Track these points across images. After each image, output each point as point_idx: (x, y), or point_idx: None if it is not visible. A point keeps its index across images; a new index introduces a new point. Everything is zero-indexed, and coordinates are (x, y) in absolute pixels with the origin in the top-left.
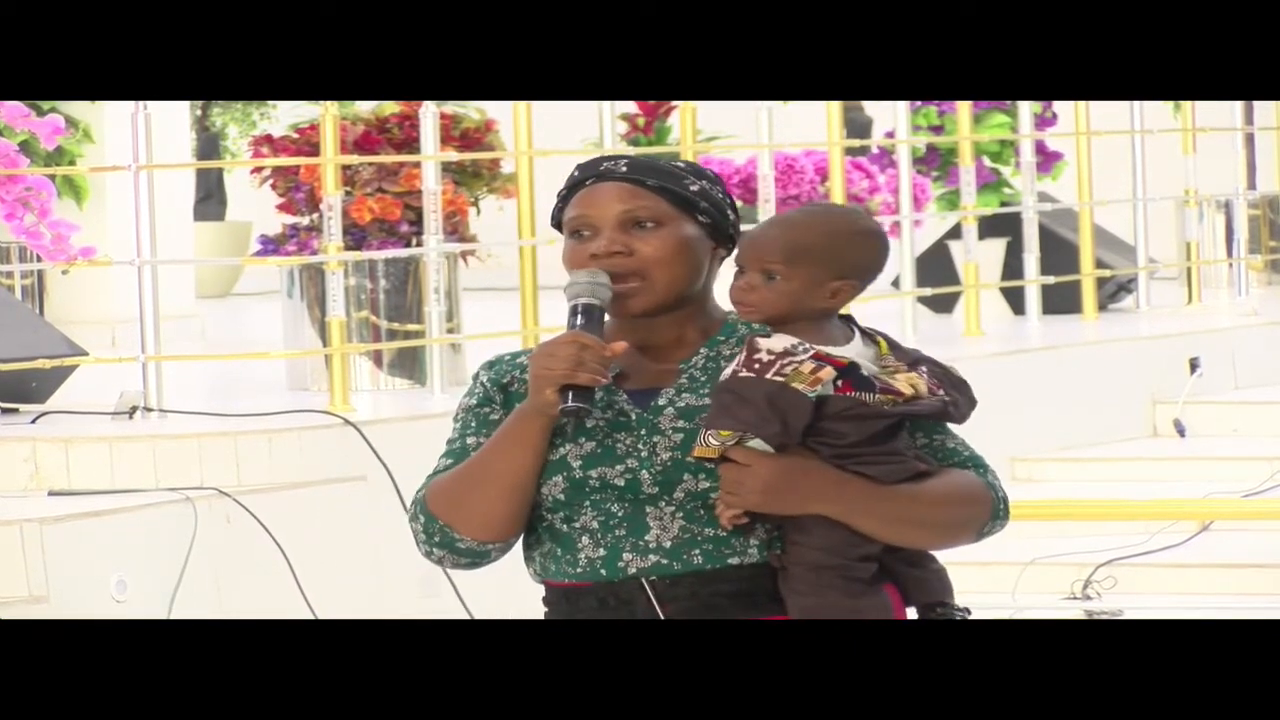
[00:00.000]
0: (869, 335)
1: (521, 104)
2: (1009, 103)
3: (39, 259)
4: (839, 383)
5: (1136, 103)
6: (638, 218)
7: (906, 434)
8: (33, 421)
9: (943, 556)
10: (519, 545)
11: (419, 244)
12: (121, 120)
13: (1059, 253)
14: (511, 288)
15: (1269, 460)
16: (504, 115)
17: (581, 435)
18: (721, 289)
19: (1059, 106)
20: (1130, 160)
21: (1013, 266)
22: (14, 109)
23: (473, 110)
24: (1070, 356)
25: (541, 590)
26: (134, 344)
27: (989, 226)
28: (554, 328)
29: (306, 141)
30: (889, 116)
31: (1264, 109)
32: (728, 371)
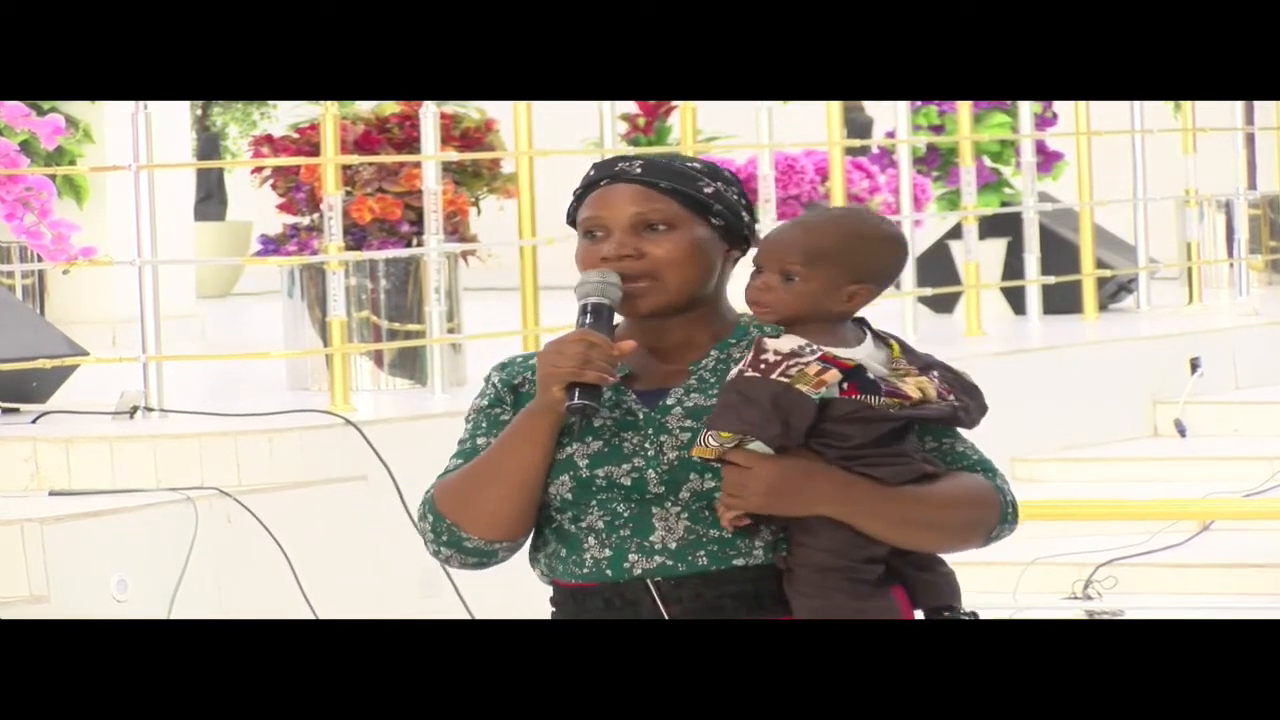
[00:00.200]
0: (882, 338)
1: (521, 104)
2: (1009, 103)
3: (39, 259)
4: (844, 385)
5: (1137, 103)
6: (649, 220)
7: (915, 437)
8: (33, 421)
9: (945, 557)
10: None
11: (419, 244)
12: (121, 120)
13: (1059, 253)
14: (512, 288)
15: (1269, 460)
16: (504, 115)
17: (589, 434)
18: (735, 290)
19: (1059, 106)
20: (1130, 160)
21: (1013, 266)
22: (14, 109)
23: (473, 110)
24: (1071, 356)
25: (542, 590)
26: (134, 344)
27: (989, 226)
28: (554, 327)
29: (307, 141)
30: (889, 116)
31: (1264, 109)
32: (735, 370)
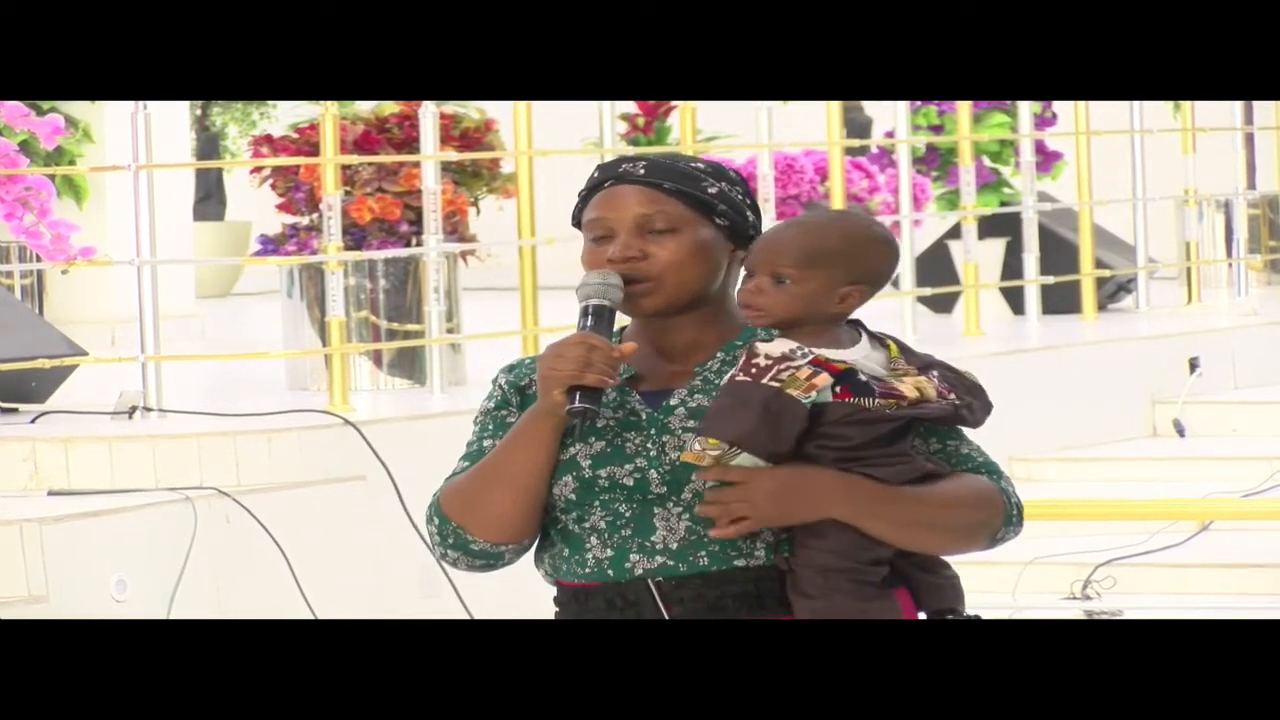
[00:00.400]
0: (878, 339)
1: (521, 104)
2: (1009, 103)
3: (39, 259)
4: (837, 388)
5: (1136, 103)
6: (654, 222)
7: (920, 439)
8: (32, 421)
9: (949, 559)
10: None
11: (419, 244)
12: (121, 120)
13: (1059, 252)
14: (511, 287)
15: (1268, 460)
16: (504, 115)
17: (592, 435)
18: None
19: (1059, 106)
20: (1130, 160)
21: (1012, 266)
22: (14, 109)
23: (472, 110)
24: (1070, 356)
25: (542, 590)
26: (134, 344)
27: (989, 226)
28: (554, 328)
29: (306, 141)
30: (889, 116)
31: (1264, 109)
32: (727, 375)
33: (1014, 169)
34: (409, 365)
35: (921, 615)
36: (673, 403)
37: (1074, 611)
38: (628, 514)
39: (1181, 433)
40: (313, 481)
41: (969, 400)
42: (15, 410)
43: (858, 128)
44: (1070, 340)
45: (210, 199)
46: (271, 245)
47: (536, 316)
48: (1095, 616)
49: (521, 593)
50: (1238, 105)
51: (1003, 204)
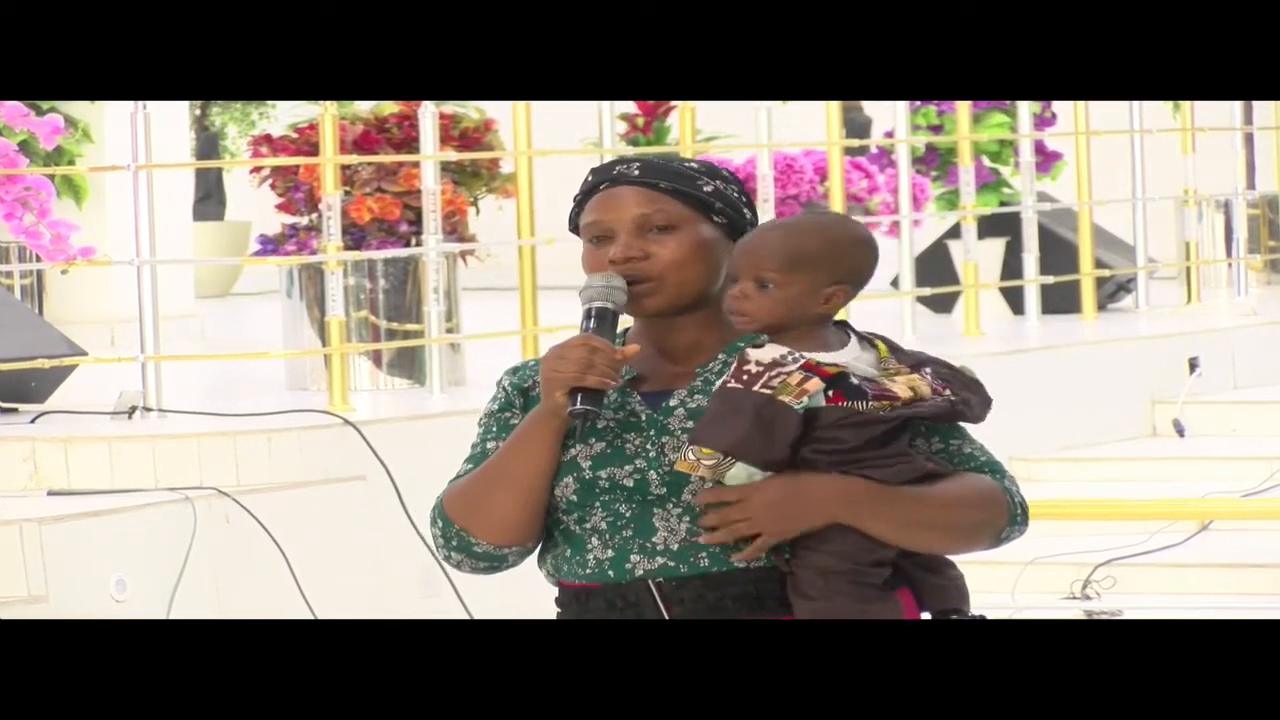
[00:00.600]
0: (867, 339)
1: (521, 104)
2: (1008, 103)
3: (38, 259)
4: (829, 393)
5: (1136, 103)
6: (653, 221)
7: (922, 439)
8: (32, 421)
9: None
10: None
11: (418, 244)
12: (121, 120)
13: (1058, 252)
14: (511, 287)
15: (1268, 460)
16: (503, 115)
17: (592, 436)
18: None
19: (1058, 106)
20: (1130, 160)
21: (1012, 266)
22: (13, 109)
23: (472, 110)
24: (1069, 356)
25: (542, 590)
26: (133, 344)
27: (988, 226)
28: (553, 327)
29: (306, 141)
30: (888, 116)
31: (1263, 109)
32: (719, 382)
33: (1013, 169)
34: (409, 365)
35: (926, 615)
36: (672, 404)
37: (1074, 611)
38: (628, 515)
39: (1181, 433)
40: (312, 481)
41: (965, 395)
42: (15, 410)
43: (857, 128)
44: (1070, 340)
45: (210, 199)
46: (271, 245)
47: (536, 316)
48: (1095, 616)
49: (522, 593)
50: (1237, 105)
51: (1002, 204)
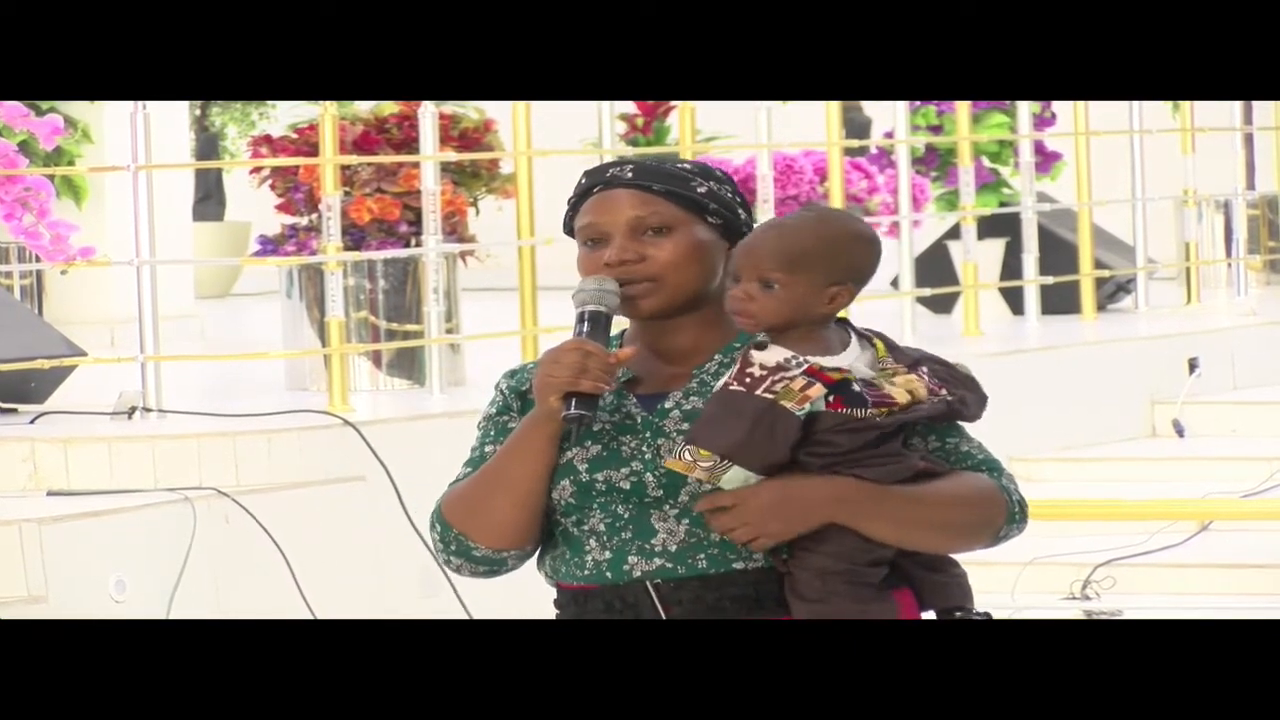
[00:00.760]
0: (866, 337)
1: (521, 104)
2: (1008, 103)
3: (38, 259)
4: (830, 398)
5: (1135, 103)
6: (648, 224)
7: (919, 438)
8: (31, 422)
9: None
10: None
11: (418, 244)
12: (120, 120)
13: (1058, 253)
14: (510, 288)
15: (1268, 460)
16: (503, 115)
17: (588, 438)
18: None
19: (1058, 106)
20: (1129, 160)
21: (1012, 267)
22: (13, 109)
23: (472, 110)
24: (1069, 357)
25: (541, 591)
26: (133, 344)
27: (988, 227)
28: (553, 328)
29: (305, 142)
30: (888, 117)
31: (1263, 109)
32: (720, 382)
33: (1013, 169)
34: (408, 366)
35: (929, 614)
36: (667, 405)
37: (1073, 611)
38: (626, 516)
39: (1181, 433)
40: (312, 482)
41: (962, 394)
42: (15, 410)
43: (857, 128)
44: (1069, 340)
45: (209, 199)
46: (271, 245)
47: (536, 317)
48: (1095, 616)
49: (521, 594)
50: (1237, 105)
51: (1002, 204)
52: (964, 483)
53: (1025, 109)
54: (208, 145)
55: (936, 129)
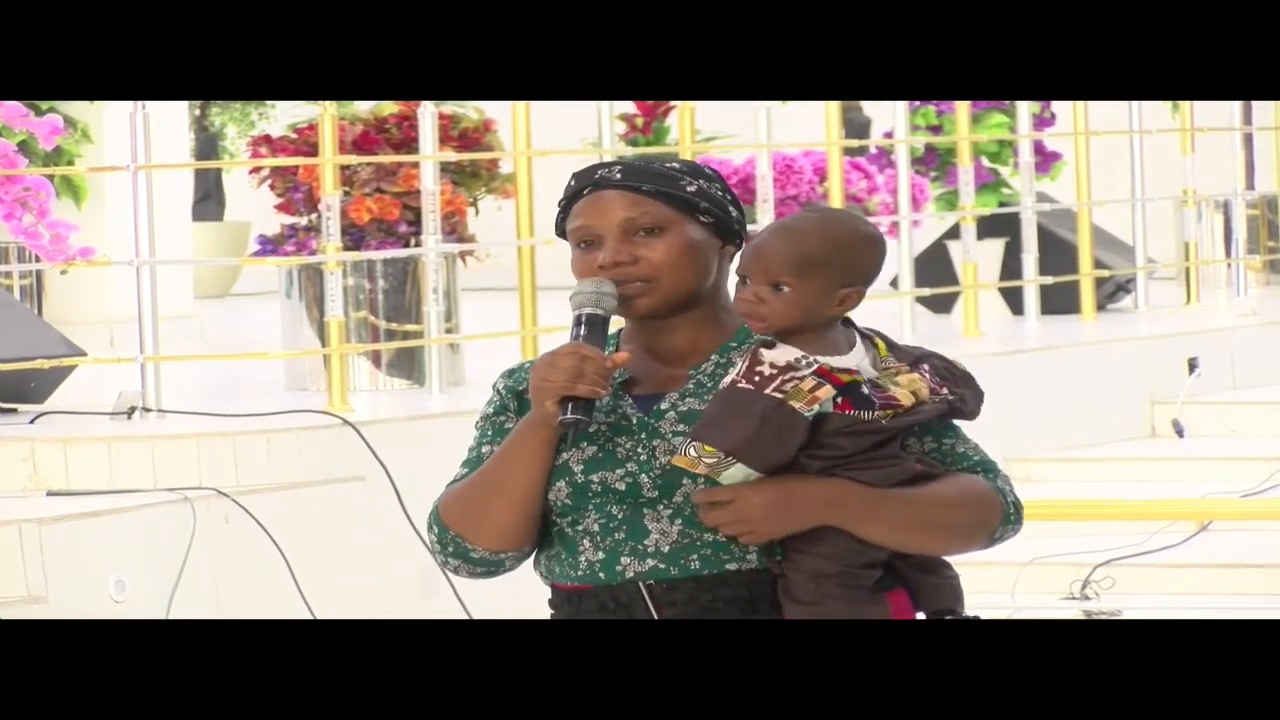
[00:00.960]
0: (867, 337)
1: (520, 104)
2: (1007, 103)
3: (37, 259)
4: (838, 400)
5: (1135, 103)
6: (639, 224)
7: (915, 438)
8: (31, 422)
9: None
10: None
11: (417, 244)
12: (120, 120)
13: (1057, 253)
14: (510, 288)
15: (1267, 460)
16: (503, 115)
17: (584, 440)
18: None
19: (1057, 106)
20: (1129, 160)
21: (1011, 266)
22: (12, 109)
23: (471, 110)
24: (1069, 357)
25: (542, 592)
26: (132, 344)
27: (987, 227)
28: (552, 328)
29: (305, 142)
30: (887, 117)
31: (1263, 109)
32: (727, 379)
33: (1013, 169)
34: (408, 366)
35: (921, 616)
36: (663, 407)
37: (1073, 612)
38: (620, 517)
39: (1180, 433)
40: (312, 482)
41: (961, 392)
42: (14, 410)
43: (856, 128)
44: (1069, 340)
45: (209, 199)
46: (270, 245)
47: (535, 317)
48: (1094, 617)
49: (521, 593)
50: (1236, 105)
51: (1001, 204)
52: (959, 485)
53: (1025, 109)
54: (207, 145)
55: (936, 129)
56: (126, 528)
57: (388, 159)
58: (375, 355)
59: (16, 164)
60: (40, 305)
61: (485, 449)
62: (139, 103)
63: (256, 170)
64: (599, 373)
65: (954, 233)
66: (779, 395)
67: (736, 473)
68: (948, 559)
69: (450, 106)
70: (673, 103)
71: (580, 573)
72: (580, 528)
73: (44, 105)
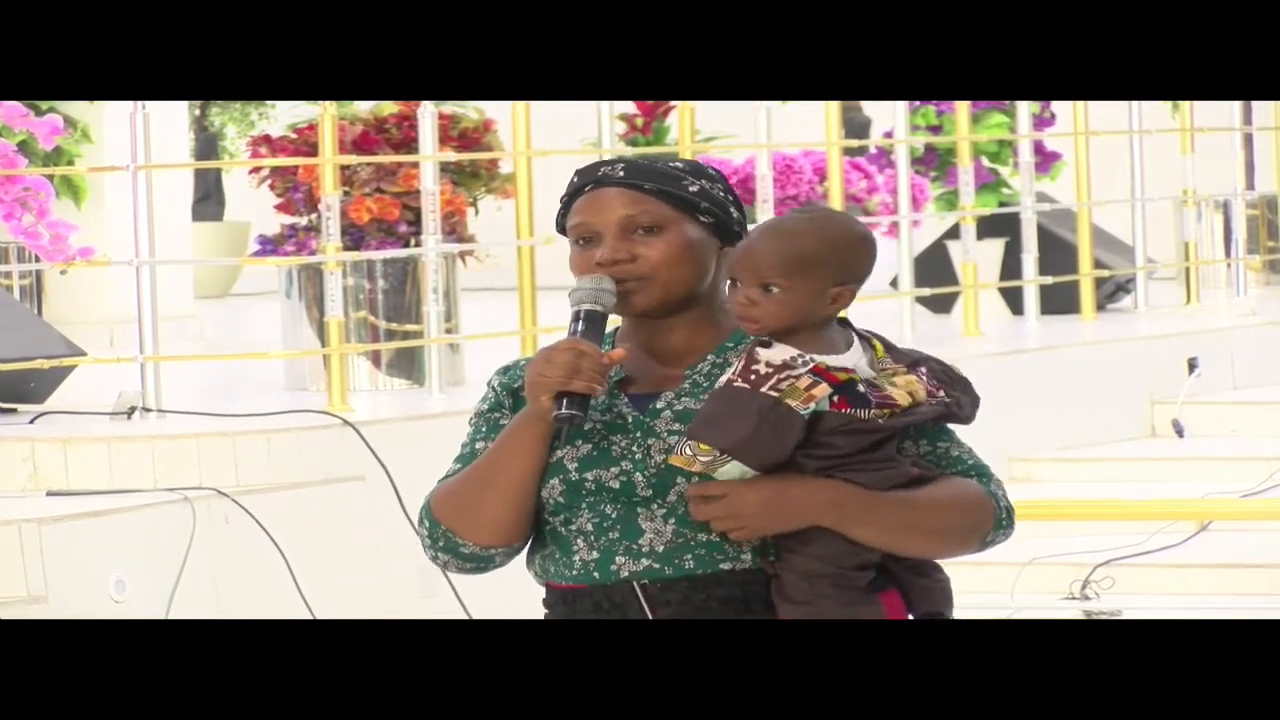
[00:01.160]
0: (865, 338)
1: (520, 104)
2: (1007, 103)
3: (37, 259)
4: (834, 398)
5: (1135, 103)
6: (639, 223)
7: (910, 441)
8: (31, 422)
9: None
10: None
11: (417, 244)
12: (120, 120)
13: (1057, 253)
14: (510, 288)
15: (1267, 460)
16: (503, 115)
17: (579, 438)
18: None
19: (1057, 106)
20: (1129, 160)
21: (1011, 267)
22: (12, 109)
23: (471, 110)
24: (1068, 357)
25: (540, 591)
26: (132, 344)
27: (987, 227)
28: (553, 328)
29: (305, 142)
30: (887, 116)
31: (1262, 109)
32: (723, 378)
33: (1013, 169)
34: (408, 366)
35: (912, 617)
36: (659, 406)
37: (1073, 611)
38: (614, 516)
39: (1180, 433)
40: (311, 482)
41: (957, 396)
42: (14, 410)
43: (856, 128)
44: (1069, 340)
45: (209, 199)
46: (270, 245)
47: (535, 317)
48: (1094, 617)
49: (520, 593)
50: (1236, 105)
51: (1001, 204)
52: (953, 489)
53: (1025, 109)
54: (207, 145)
55: (936, 129)
56: (126, 528)
57: (388, 159)
58: (375, 355)
59: (16, 164)
60: (40, 305)
61: (479, 445)
62: (139, 103)
63: (256, 170)
64: (595, 368)
65: (954, 233)
66: (775, 393)
67: (732, 470)
68: (946, 560)
69: (450, 106)
70: (673, 103)
71: (575, 572)
72: (574, 527)
73: (44, 105)
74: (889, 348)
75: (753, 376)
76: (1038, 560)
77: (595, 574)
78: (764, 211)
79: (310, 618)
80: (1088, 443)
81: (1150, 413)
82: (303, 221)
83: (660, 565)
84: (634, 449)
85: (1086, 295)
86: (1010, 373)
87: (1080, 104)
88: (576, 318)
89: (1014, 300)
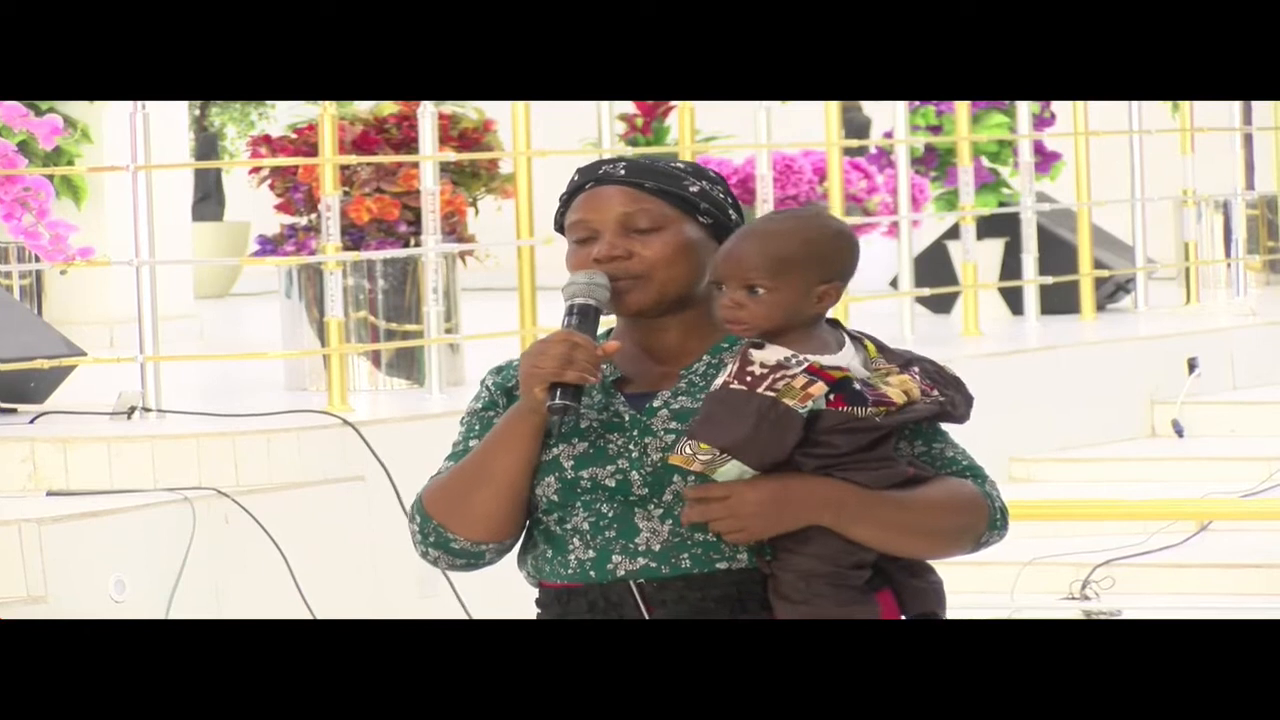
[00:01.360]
0: (856, 339)
1: (520, 104)
2: (1007, 103)
3: (37, 259)
4: (831, 397)
5: (1135, 103)
6: (637, 221)
7: (905, 442)
8: (31, 422)
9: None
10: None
11: (417, 244)
12: (120, 120)
13: (1057, 253)
14: (510, 288)
15: (1267, 460)
16: (503, 115)
17: (575, 436)
18: None
19: (1057, 106)
20: (1129, 160)
21: (1011, 267)
22: (12, 109)
23: (471, 110)
24: (1068, 357)
25: (537, 591)
26: (132, 344)
27: (987, 227)
28: (552, 328)
29: (305, 142)
30: (887, 116)
31: (1262, 109)
32: (719, 380)
33: (1013, 169)
34: (407, 366)
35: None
36: (656, 405)
37: (1072, 612)
38: (610, 515)
39: (1180, 433)
40: (311, 482)
41: (951, 395)
42: (14, 410)
43: (856, 128)
44: (1069, 340)
45: (209, 199)
46: (270, 246)
47: (535, 317)
48: (1094, 617)
49: (519, 593)
50: (1236, 105)
51: (1001, 204)
52: (950, 489)
53: (1025, 109)
54: (207, 145)
55: (936, 129)
56: (126, 528)
57: (387, 159)
58: (375, 355)
59: (16, 164)
60: (40, 305)
61: (471, 443)
62: (139, 103)
63: (256, 170)
64: (589, 359)
65: (954, 233)
66: (772, 393)
67: (731, 470)
68: (942, 561)
69: (450, 106)
70: (673, 103)
71: (570, 571)
72: (569, 526)
73: (44, 105)
74: (881, 348)
75: (749, 378)
76: (1038, 560)
77: (591, 573)
78: (764, 212)
79: (310, 618)
80: (1087, 443)
81: (1150, 413)
82: (302, 221)
83: (657, 564)
84: (630, 447)
85: (1086, 295)
86: (1010, 373)
87: (1080, 104)
88: (570, 311)
89: (1014, 300)
